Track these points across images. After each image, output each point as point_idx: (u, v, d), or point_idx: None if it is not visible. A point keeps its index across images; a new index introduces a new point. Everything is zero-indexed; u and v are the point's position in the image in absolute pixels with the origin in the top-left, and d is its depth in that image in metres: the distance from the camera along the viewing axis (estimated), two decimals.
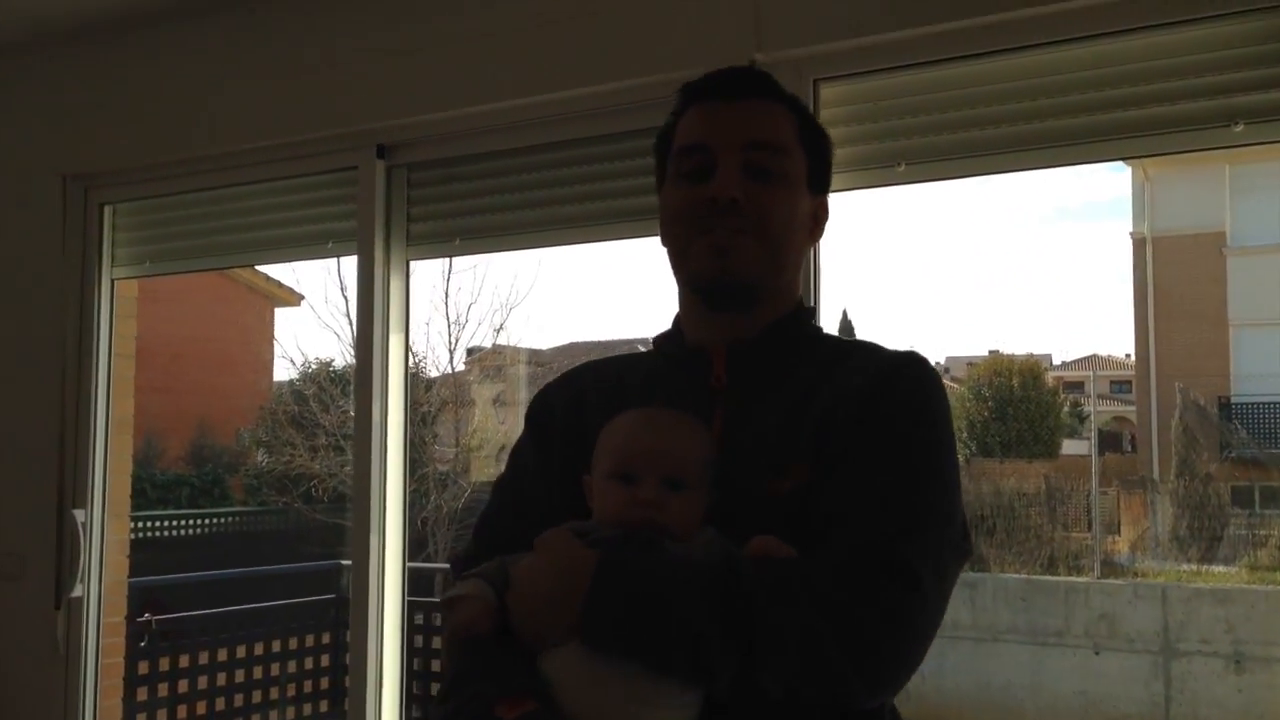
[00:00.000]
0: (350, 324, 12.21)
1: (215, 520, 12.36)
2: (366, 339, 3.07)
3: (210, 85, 3.28)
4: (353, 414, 11.52)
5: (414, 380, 12.56)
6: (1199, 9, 2.26)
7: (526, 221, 3.01)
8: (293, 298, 18.40)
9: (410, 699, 3.29)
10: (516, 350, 13.60)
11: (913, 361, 1.40)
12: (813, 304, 2.47)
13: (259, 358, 18.83)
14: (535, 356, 15.12)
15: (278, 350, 22.42)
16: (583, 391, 1.50)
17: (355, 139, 3.10)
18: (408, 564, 3.11)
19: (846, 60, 2.55)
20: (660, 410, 1.38)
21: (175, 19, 3.31)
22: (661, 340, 1.53)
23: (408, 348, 3.17)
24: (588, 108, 2.85)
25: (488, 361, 13.36)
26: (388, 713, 3.08)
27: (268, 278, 18.45)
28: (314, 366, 12.49)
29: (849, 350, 1.47)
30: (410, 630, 3.14)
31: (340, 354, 12.47)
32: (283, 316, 20.38)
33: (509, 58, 2.89)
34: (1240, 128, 2.28)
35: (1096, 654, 10.88)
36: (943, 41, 2.45)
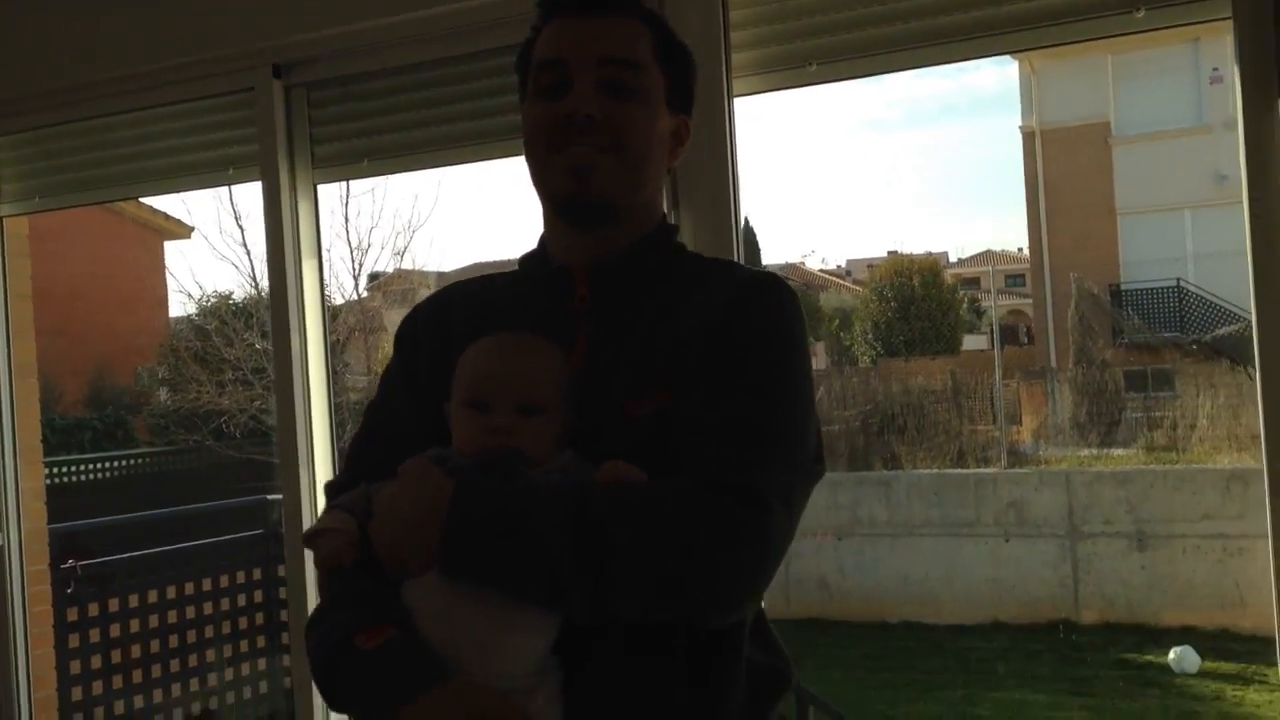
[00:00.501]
0: (248, 254, 11.98)
1: (126, 462, 12.09)
2: (279, 268, 2.99)
3: (94, 7, 3.12)
4: (258, 346, 11.33)
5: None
6: None
7: (434, 139, 2.93)
8: (182, 230, 17.91)
9: None
10: (424, 274, 13.43)
11: (769, 284, 1.40)
12: (736, 216, 2.49)
13: (153, 294, 18.35)
14: (441, 279, 14.96)
15: (172, 285, 21.85)
16: (449, 313, 1.50)
17: (249, 58, 2.98)
18: None
19: None
20: (513, 335, 1.38)
21: None
22: (526, 259, 1.53)
23: (322, 274, 3.10)
24: (495, 17, 2.77)
25: (393, 286, 13.18)
26: None
27: (154, 210, 17.91)
28: (213, 300, 12.22)
29: (708, 269, 1.49)
30: None
31: (240, 285, 12.23)
32: (173, 250, 19.84)
33: None
34: (1141, 13, 2.30)
35: (1007, 541, 11.26)
36: None
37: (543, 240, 1.51)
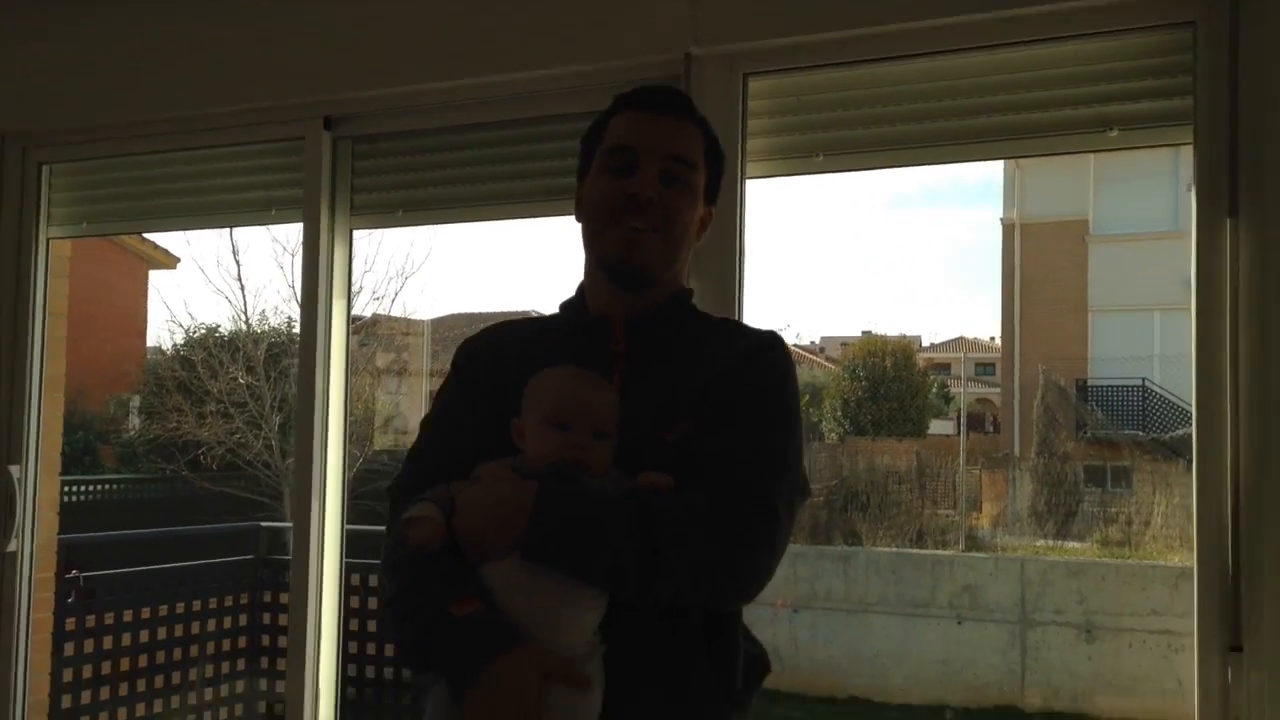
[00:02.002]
0: (242, 288, 12.16)
1: (101, 487, 12.10)
2: (311, 305, 3.21)
3: (162, 50, 3.36)
4: (241, 381, 11.46)
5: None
6: (1081, 26, 2.54)
7: (466, 196, 3.18)
8: (169, 260, 18.01)
9: (347, 658, 3.45)
10: (409, 321, 13.67)
11: (773, 342, 1.74)
12: (741, 287, 2.75)
13: (134, 322, 18.38)
14: (411, 327, 15.13)
15: (152, 314, 21.90)
16: (502, 347, 1.79)
17: (303, 110, 3.23)
18: (346, 527, 3.28)
19: (775, 57, 2.78)
20: (585, 371, 1.65)
21: None
22: (567, 306, 1.82)
23: (349, 315, 3.32)
24: (528, 89, 3.04)
25: (378, 330, 13.39)
26: (325, 670, 3.24)
27: (142, 239, 18.00)
28: (199, 332, 12.34)
29: (718, 326, 1.82)
30: (346, 591, 3.31)
31: (230, 319, 12.36)
32: (157, 279, 19.90)
33: (456, 38, 3.05)
34: (1114, 133, 2.59)
35: (959, 624, 11.36)
36: (861, 44, 2.70)
37: (581, 291, 1.81)
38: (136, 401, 15.88)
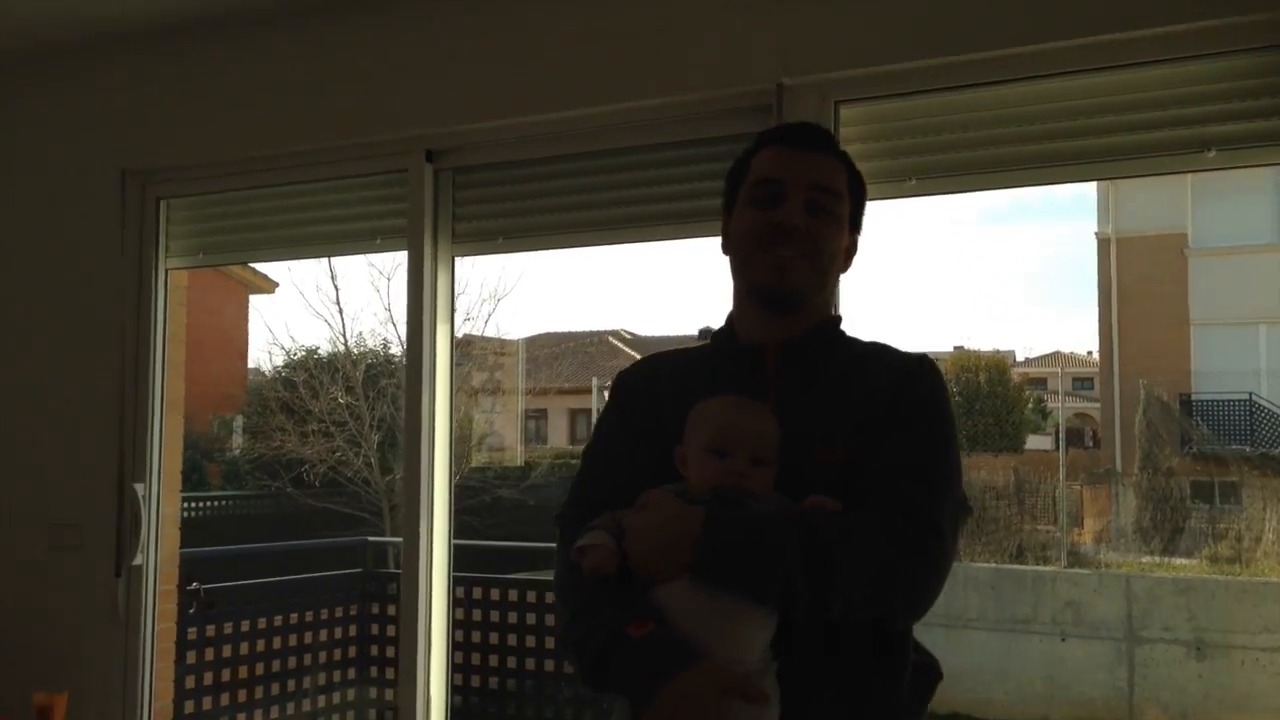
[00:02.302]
0: (340, 312, 12.47)
1: (210, 503, 12.48)
2: (417, 330, 3.33)
3: (270, 87, 3.52)
4: (341, 400, 11.73)
5: (403, 367, 12.73)
6: (1177, 50, 2.56)
7: (563, 224, 3.28)
8: (267, 284, 18.47)
9: (454, 668, 3.55)
10: (502, 341, 13.87)
11: (929, 365, 1.77)
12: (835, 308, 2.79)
13: (235, 345, 18.88)
14: (504, 347, 15.33)
15: (252, 338, 22.51)
16: (658, 377, 1.86)
17: (405, 144, 3.36)
18: (453, 541, 3.38)
19: (864, 85, 2.84)
20: (744, 398, 1.70)
21: (232, 24, 3.56)
22: (719, 337, 1.88)
23: (453, 338, 3.43)
24: (623, 120, 3.12)
25: (471, 350, 13.62)
26: (435, 680, 3.35)
27: (244, 265, 18.49)
28: (300, 354, 12.68)
29: (871, 351, 1.84)
30: (454, 604, 3.41)
31: (330, 341, 12.68)
32: (257, 303, 20.43)
33: (551, 72, 3.16)
34: (1212, 154, 2.59)
35: (1063, 640, 11.17)
36: (951, 71, 2.74)
37: (730, 321, 1.87)
38: (240, 421, 16.31)
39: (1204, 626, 10.66)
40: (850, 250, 1.87)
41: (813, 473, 1.65)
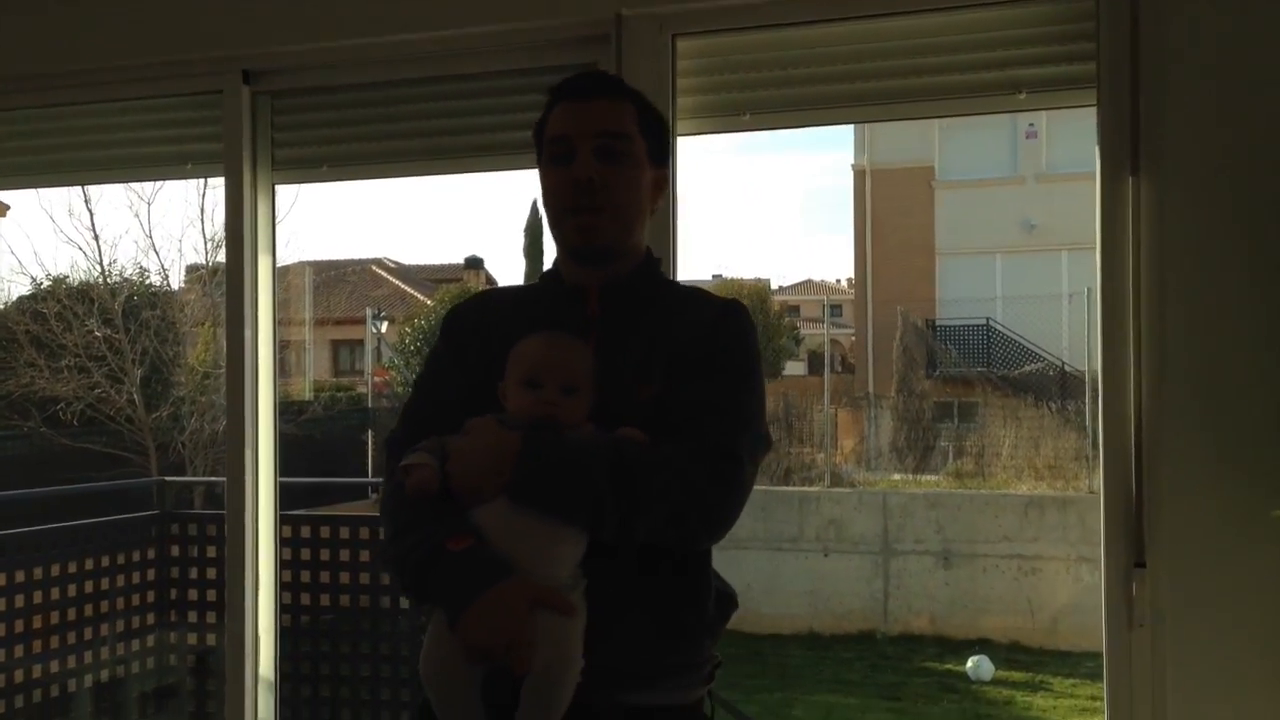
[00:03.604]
0: (96, 238, 11.71)
1: None
2: (237, 262, 3.20)
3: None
4: (98, 334, 11.06)
5: (167, 299, 12.12)
6: None
7: (391, 151, 3.21)
8: None
9: (282, 609, 3.49)
10: (282, 269, 13.30)
11: (739, 308, 1.89)
12: (674, 238, 2.87)
13: None
14: (283, 275, 14.72)
15: None
16: (486, 314, 1.93)
17: (221, 63, 3.20)
18: (279, 479, 3.30)
19: (702, 18, 2.88)
20: (558, 334, 1.79)
21: None
22: (547, 277, 1.96)
23: (274, 268, 3.32)
24: (456, 47, 3.07)
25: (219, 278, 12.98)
26: (264, 623, 3.29)
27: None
28: (47, 283, 11.83)
29: (687, 294, 1.96)
30: (280, 543, 3.34)
31: (83, 270, 11.86)
32: None
33: None
34: (1023, 95, 2.78)
35: (826, 556, 11.78)
36: (786, 7, 2.82)
37: (556, 265, 1.94)
38: None
39: (951, 538, 11.44)
40: (659, 183, 1.93)
41: (630, 409, 1.75)
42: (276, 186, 3.31)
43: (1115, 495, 2.60)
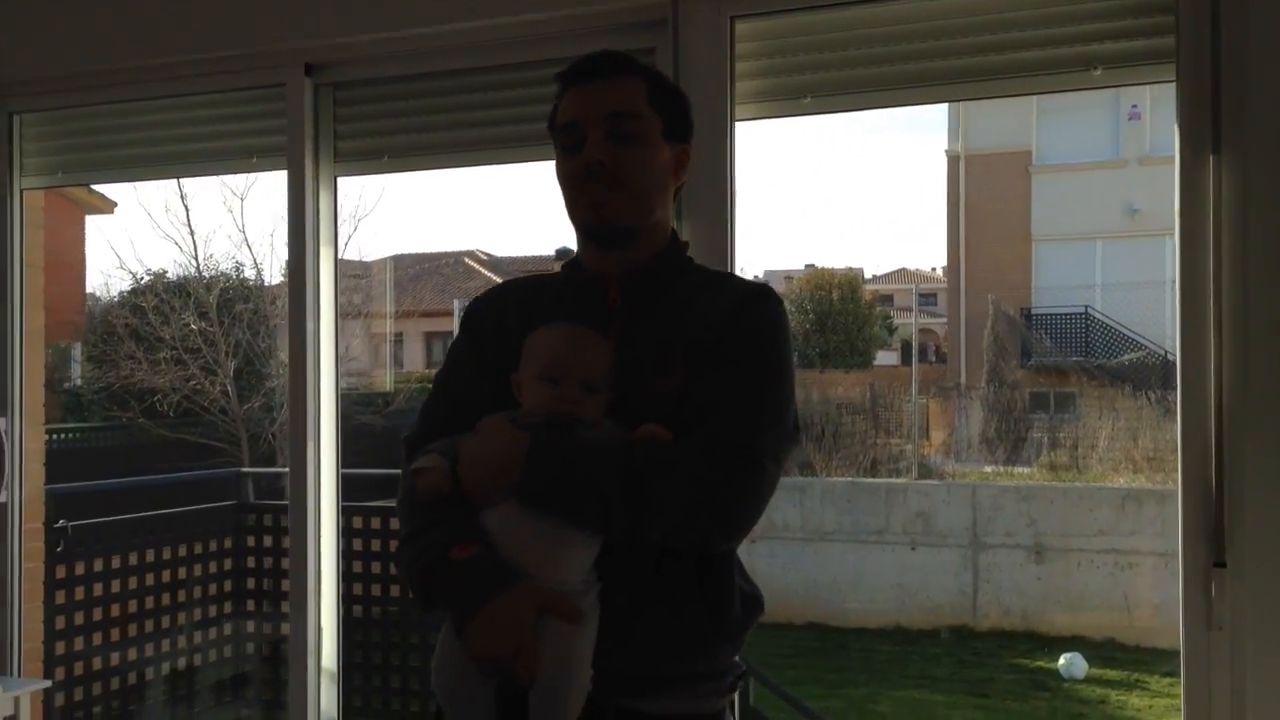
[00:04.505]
0: (191, 233, 12.01)
1: (57, 436, 11.90)
2: (299, 253, 3.21)
3: None
4: (194, 326, 11.33)
5: (259, 293, 12.37)
6: None
7: (453, 142, 3.19)
8: (105, 205, 17.60)
9: (351, 600, 3.51)
10: (364, 264, 13.53)
11: (766, 295, 1.80)
12: (733, 226, 2.80)
13: (71, 269, 18.00)
14: (366, 270, 14.96)
15: (91, 261, 21.42)
16: (506, 305, 1.87)
17: (283, 57, 3.20)
18: (341, 471, 3.31)
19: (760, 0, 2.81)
20: (577, 327, 1.73)
21: None
22: (568, 267, 1.89)
23: (336, 261, 3.32)
24: (514, 35, 3.03)
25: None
26: (326, 613, 3.30)
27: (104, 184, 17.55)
28: (147, 278, 12.17)
29: (712, 279, 1.88)
30: (346, 534, 3.35)
31: (179, 264, 12.18)
32: (94, 224, 19.46)
33: None
34: (1099, 72, 2.66)
35: (913, 549, 11.59)
36: None
37: (578, 254, 1.87)
38: (79, 350, 15.62)
39: (1043, 531, 11.18)
40: (680, 160, 1.85)
41: (648, 402, 1.68)
42: (339, 179, 3.31)
43: (1194, 491, 2.48)
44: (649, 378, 1.69)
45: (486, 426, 1.67)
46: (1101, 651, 10.28)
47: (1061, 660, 9.91)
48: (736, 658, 1.78)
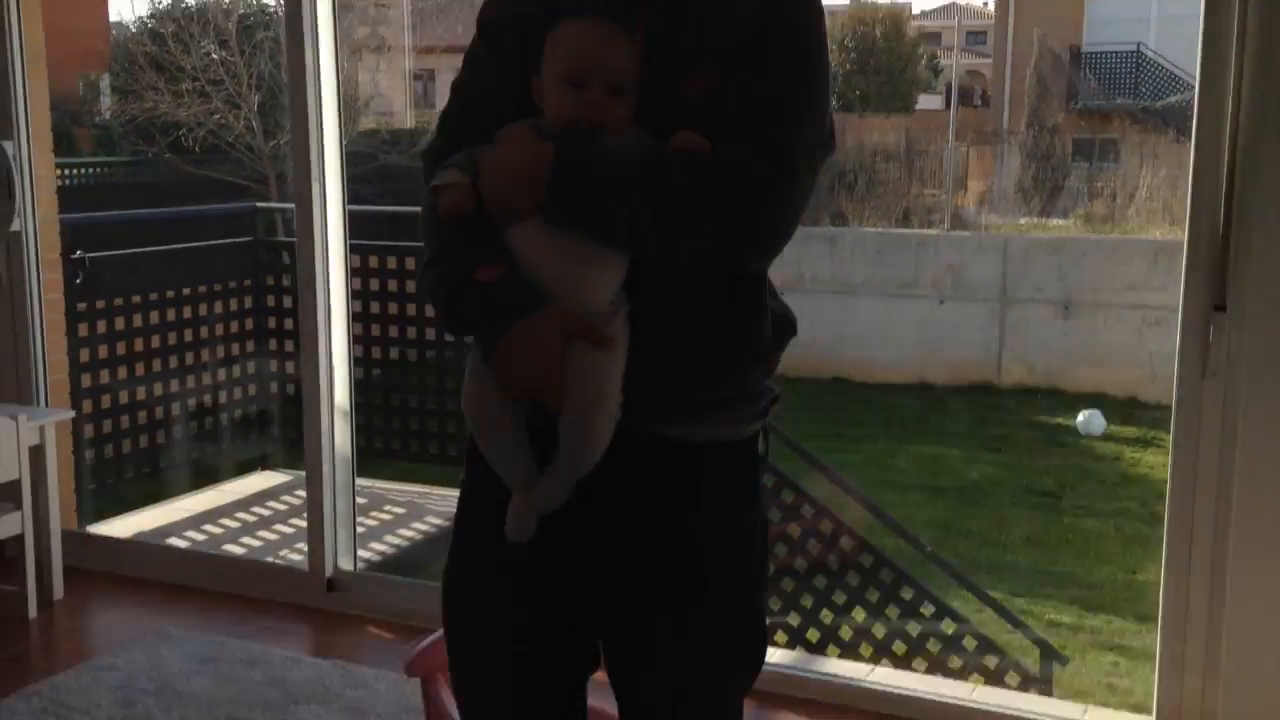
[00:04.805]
0: None
1: (83, 170, 11.86)
2: None
3: None
4: (215, 57, 11.06)
5: (279, 19, 11.97)
6: None
7: None
8: None
9: (355, 339, 3.53)
10: None
11: None
12: None
13: None
14: None
15: None
16: (524, 2, 1.68)
17: None
18: (348, 207, 3.26)
19: None
20: (604, 24, 1.57)
21: None
22: None
23: None
24: None
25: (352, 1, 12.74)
26: (338, 351, 3.33)
27: None
28: (165, 2, 11.76)
29: None
30: (350, 273, 3.33)
31: None
32: None
33: None
34: None
35: (941, 304, 11.54)
36: None
37: None
38: (107, 81, 15.38)
39: (1073, 285, 11.04)
40: None
41: (677, 107, 1.56)
42: None
43: (1200, 230, 2.43)
44: (678, 79, 1.57)
45: (507, 137, 1.56)
46: (1122, 409, 10.33)
47: (1080, 417, 9.99)
48: (768, 382, 1.71)
